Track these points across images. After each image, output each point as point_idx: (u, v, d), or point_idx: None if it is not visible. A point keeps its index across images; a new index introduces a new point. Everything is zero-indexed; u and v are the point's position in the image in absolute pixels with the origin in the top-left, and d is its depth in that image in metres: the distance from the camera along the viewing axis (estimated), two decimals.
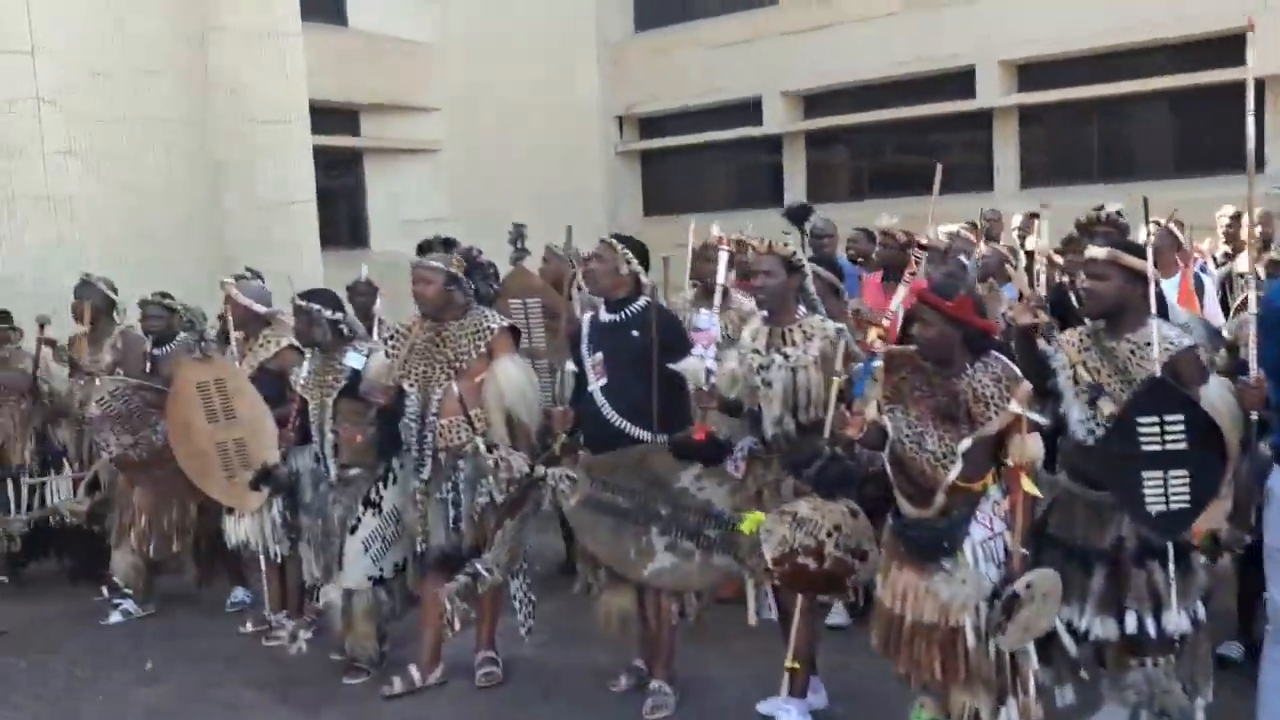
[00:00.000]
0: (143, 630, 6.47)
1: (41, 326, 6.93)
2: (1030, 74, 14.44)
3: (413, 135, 15.88)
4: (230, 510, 6.08)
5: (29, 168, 9.36)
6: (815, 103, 16.06)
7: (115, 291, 7.08)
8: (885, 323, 4.94)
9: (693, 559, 4.93)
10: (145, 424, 6.30)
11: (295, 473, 5.72)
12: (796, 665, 4.61)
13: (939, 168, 7.09)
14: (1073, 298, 5.31)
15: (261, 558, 6.15)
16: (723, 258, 5.01)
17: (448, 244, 6.07)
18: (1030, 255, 7.10)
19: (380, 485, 5.45)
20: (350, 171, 15.94)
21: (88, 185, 9.58)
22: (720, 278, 4.98)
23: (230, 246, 10.36)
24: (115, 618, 6.58)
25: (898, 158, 15.84)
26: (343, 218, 15.40)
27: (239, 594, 6.70)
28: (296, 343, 5.99)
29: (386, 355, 5.32)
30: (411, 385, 5.19)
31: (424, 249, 5.65)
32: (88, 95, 9.56)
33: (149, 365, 6.53)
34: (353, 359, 5.54)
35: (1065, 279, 5.92)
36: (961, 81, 14.77)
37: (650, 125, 17.59)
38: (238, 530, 6.07)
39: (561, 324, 6.23)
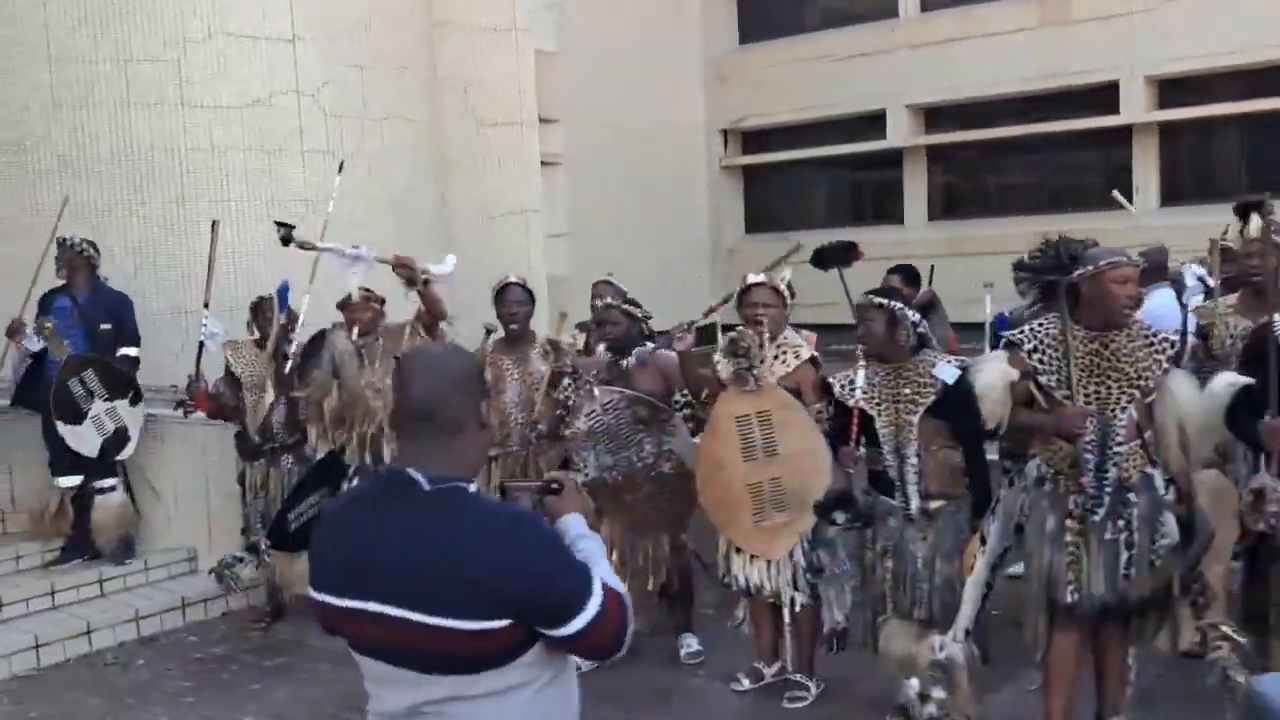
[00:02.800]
0: (609, 687, 5.32)
1: (563, 316, 6.24)
2: (1173, 90, 13.79)
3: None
4: (738, 549, 5.02)
5: (288, 166, 8.14)
6: (938, 117, 15.27)
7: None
8: None
9: None
10: (629, 444, 5.23)
11: (873, 498, 4.66)
12: None
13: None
14: None
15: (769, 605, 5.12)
16: None
17: (908, 271, 5.22)
18: None
19: (990, 519, 4.45)
20: None
21: (345, 188, 8.35)
22: None
23: (457, 254, 9.21)
24: None
25: (1025, 175, 15.12)
26: None
27: (693, 642, 5.62)
28: (817, 355, 5.00)
29: (1038, 370, 4.28)
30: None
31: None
32: (343, 90, 8.38)
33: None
34: (945, 372, 4.54)
35: None
36: (1100, 97, 14.05)
37: (754, 140, 16.66)
38: (749, 572, 5.00)
39: None
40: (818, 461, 4.79)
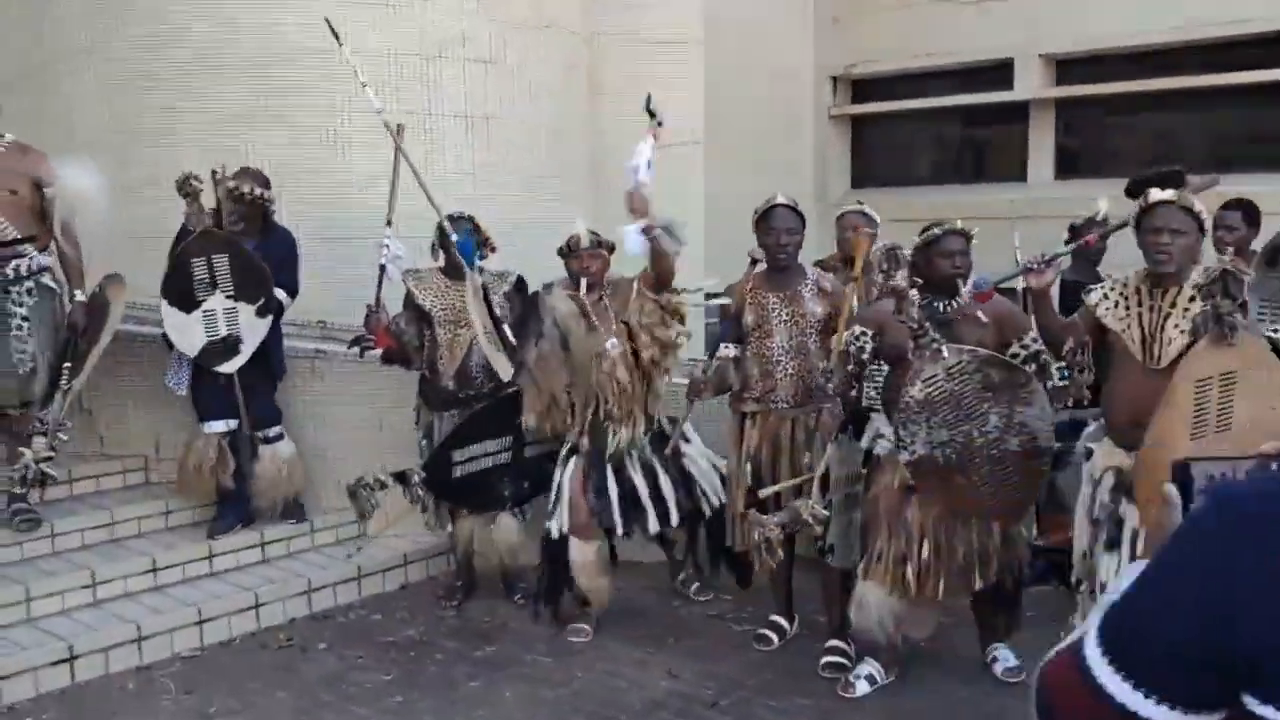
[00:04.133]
0: (915, 707, 4.28)
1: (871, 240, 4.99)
2: None
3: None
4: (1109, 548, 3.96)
5: (447, 76, 7.00)
6: (1069, 68, 13.97)
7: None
8: None
9: None
10: (972, 415, 4.10)
11: None
12: None
13: None
14: None
15: None
16: None
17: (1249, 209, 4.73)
18: None
19: None
20: None
21: (505, 106, 7.24)
22: None
23: (606, 184, 8.10)
24: (861, 688, 4.38)
25: (1164, 134, 13.81)
26: None
27: (1009, 656, 4.54)
28: None
29: None
30: None
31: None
32: None
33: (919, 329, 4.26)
34: None
35: None
36: (1259, 50, 12.74)
37: (865, 88, 15.36)
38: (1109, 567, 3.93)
39: None
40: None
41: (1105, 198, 5.77)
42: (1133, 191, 6.13)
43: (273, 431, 5.69)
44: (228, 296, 5.52)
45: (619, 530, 5.00)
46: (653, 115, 4.83)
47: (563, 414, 4.96)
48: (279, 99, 6.63)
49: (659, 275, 4.82)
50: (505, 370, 5.08)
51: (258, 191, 5.60)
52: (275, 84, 6.60)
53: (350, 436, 5.95)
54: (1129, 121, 14.03)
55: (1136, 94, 13.51)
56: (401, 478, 5.09)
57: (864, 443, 4.52)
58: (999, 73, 14.07)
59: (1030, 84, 13.93)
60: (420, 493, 5.07)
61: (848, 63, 15.03)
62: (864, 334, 4.45)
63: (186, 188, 5.47)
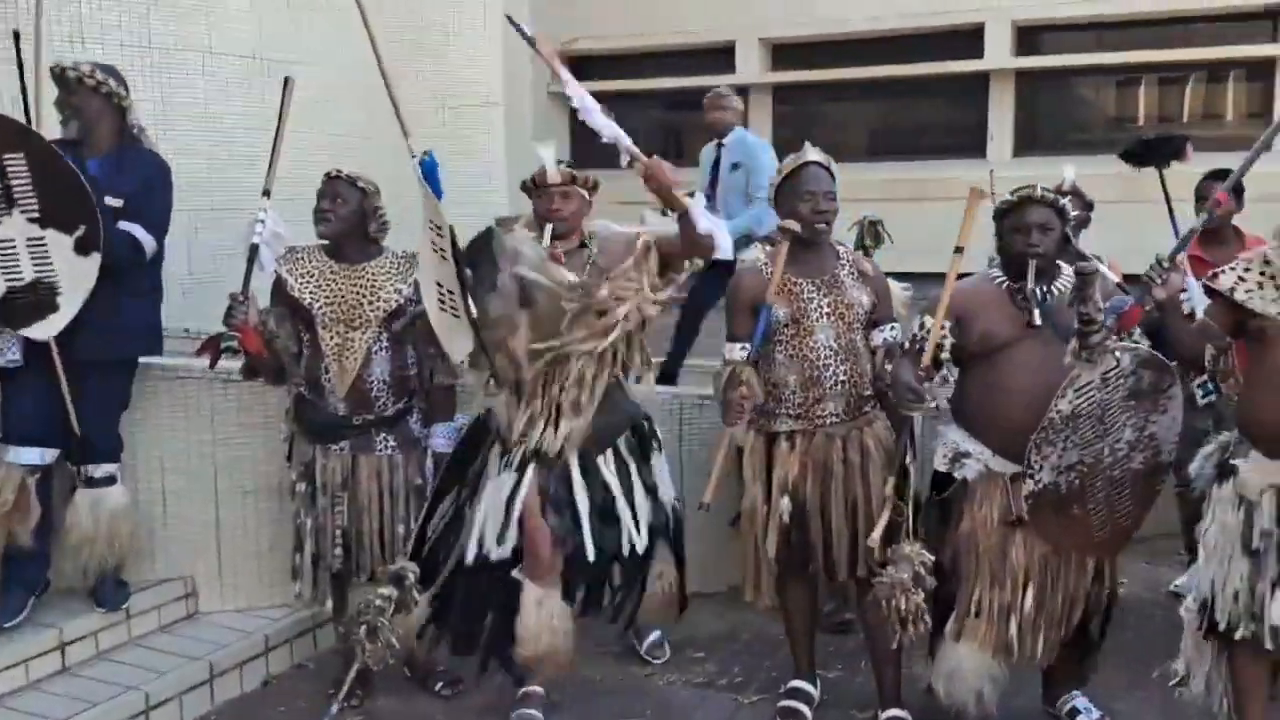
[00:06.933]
0: None
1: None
2: (1034, 37, 13.00)
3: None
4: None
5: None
6: (787, 53, 13.75)
7: None
8: None
9: None
10: (1108, 432, 3.13)
11: None
12: None
13: None
14: None
15: None
16: None
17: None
18: None
19: None
20: None
21: (305, 44, 5.70)
22: None
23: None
24: None
25: (876, 120, 13.89)
26: None
27: (1089, 706, 3.66)
28: None
29: None
30: None
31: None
32: None
33: None
34: None
35: None
36: (963, 42, 13.03)
37: (584, 66, 14.43)
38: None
39: None
40: None
41: (1070, 165, 5.03)
42: (1138, 156, 5.38)
43: (101, 471, 3.84)
44: (30, 219, 3.63)
45: (591, 555, 3.57)
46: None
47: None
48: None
49: (694, 251, 3.54)
50: (461, 351, 3.49)
51: (100, 78, 3.78)
52: None
53: (170, 482, 4.17)
54: (840, 109, 13.90)
55: (848, 81, 13.43)
56: (397, 581, 3.47)
57: (939, 464, 3.45)
58: (721, 56, 13.55)
59: (751, 69, 13.51)
60: (417, 594, 3.47)
61: (566, 38, 13.99)
62: (943, 327, 3.39)
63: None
